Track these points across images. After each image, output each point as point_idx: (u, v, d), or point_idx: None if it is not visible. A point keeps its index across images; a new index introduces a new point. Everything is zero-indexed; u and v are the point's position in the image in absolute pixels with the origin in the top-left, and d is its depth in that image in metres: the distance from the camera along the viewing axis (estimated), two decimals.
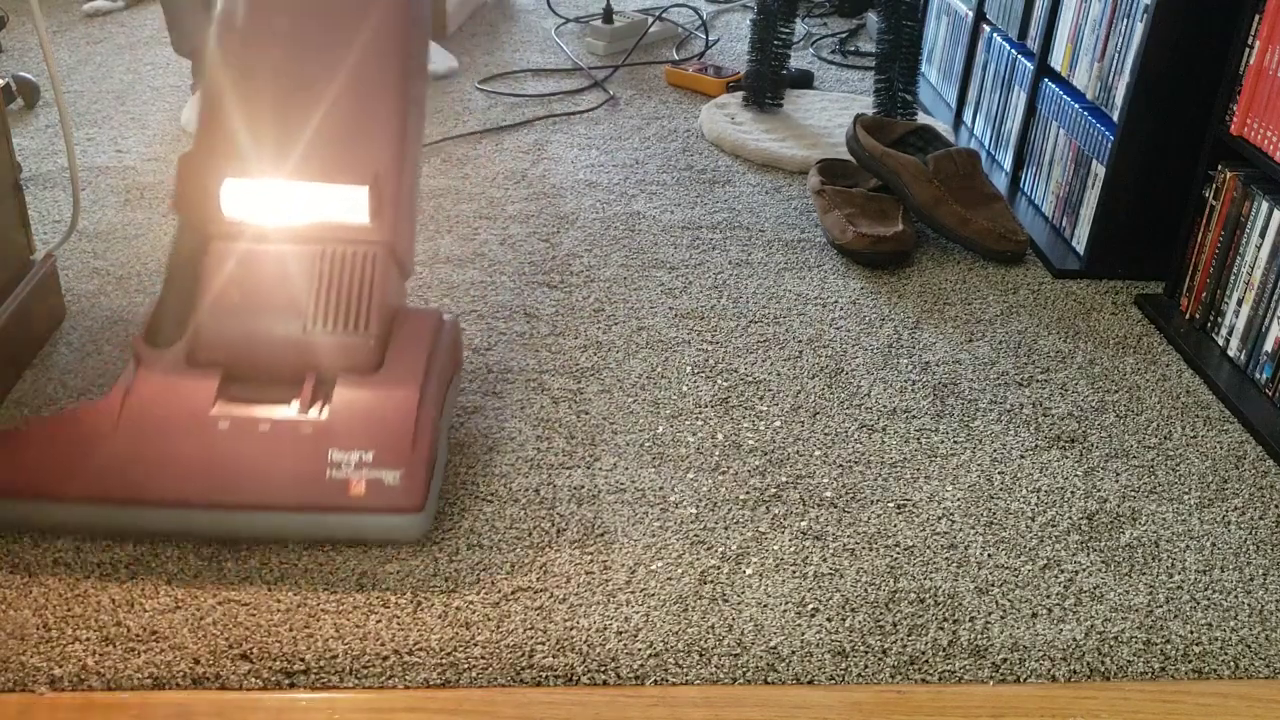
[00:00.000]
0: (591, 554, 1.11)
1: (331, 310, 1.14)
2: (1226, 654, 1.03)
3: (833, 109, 2.24)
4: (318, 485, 1.06)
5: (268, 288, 1.14)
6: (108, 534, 1.09)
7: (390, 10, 1.19)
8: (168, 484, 1.06)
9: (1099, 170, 1.66)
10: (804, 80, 2.39)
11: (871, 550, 1.13)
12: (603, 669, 0.99)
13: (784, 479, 1.23)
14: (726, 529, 1.15)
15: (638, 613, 1.04)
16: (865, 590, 1.08)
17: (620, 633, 1.02)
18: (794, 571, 1.10)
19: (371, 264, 1.16)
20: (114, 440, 1.06)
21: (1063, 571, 1.11)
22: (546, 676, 0.98)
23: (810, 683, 0.98)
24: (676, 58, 2.59)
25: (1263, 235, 1.40)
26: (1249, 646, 1.04)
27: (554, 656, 1.00)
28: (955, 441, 1.30)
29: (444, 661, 0.99)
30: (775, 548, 1.13)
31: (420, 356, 1.15)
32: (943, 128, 2.12)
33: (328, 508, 1.07)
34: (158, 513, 1.06)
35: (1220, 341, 1.48)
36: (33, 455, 1.07)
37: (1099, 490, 1.24)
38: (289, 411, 1.09)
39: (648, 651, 1.00)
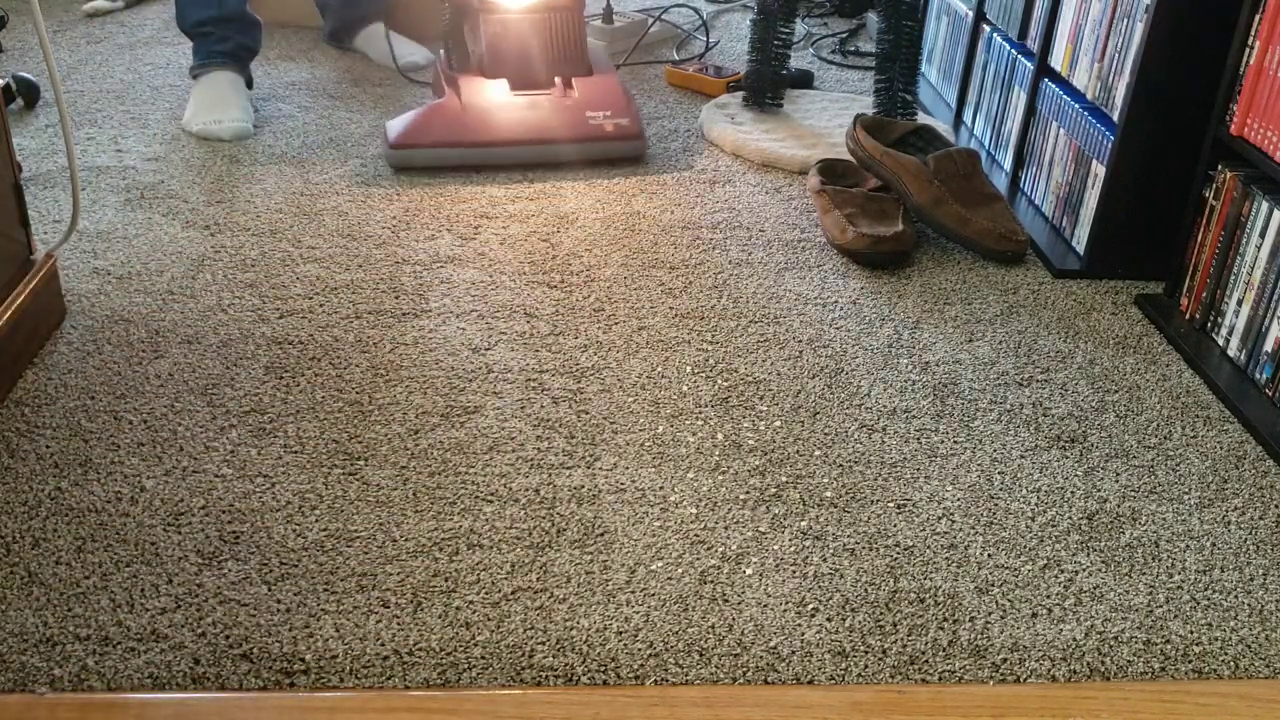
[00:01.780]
0: (591, 554, 1.11)
1: (562, 45, 2.03)
2: (1226, 654, 1.03)
3: (833, 109, 2.24)
4: (586, 127, 1.94)
5: (525, 36, 2.01)
6: (468, 164, 1.92)
7: None
8: (496, 133, 1.92)
9: (1099, 170, 1.66)
10: (804, 80, 2.39)
11: (871, 550, 1.13)
12: (603, 669, 0.99)
13: (784, 479, 1.23)
14: (726, 529, 1.15)
15: (638, 613, 1.04)
16: (865, 590, 1.08)
17: (620, 633, 1.02)
18: (794, 571, 1.10)
19: (577, 18, 2.04)
20: (464, 114, 1.93)
21: (1063, 571, 1.12)
22: (546, 676, 0.98)
23: (810, 683, 0.98)
24: (676, 58, 2.59)
25: (1263, 235, 1.40)
26: (1249, 646, 1.04)
27: (554, 656, 1.00)
28: (955, 441, 1.30)
29: (444, 661, 0.99)
30: (775, 548, 1.13)
31: (609, 63, 2.13)
32: (943, 128, 2.12)
33: (593, 139, 1.95)
34: (493, 150, 1.92)
35: (1220, 341, 1.48)
36: (422, 126, 1.92)
37: (1099, 490, 1.24)
38: (554, 94, 1.97)
39: (648, 651, 1.00)
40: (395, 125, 1.92)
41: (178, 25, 2.13)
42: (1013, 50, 1.98)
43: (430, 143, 1.89)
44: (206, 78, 2.08)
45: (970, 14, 2.18)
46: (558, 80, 1.98)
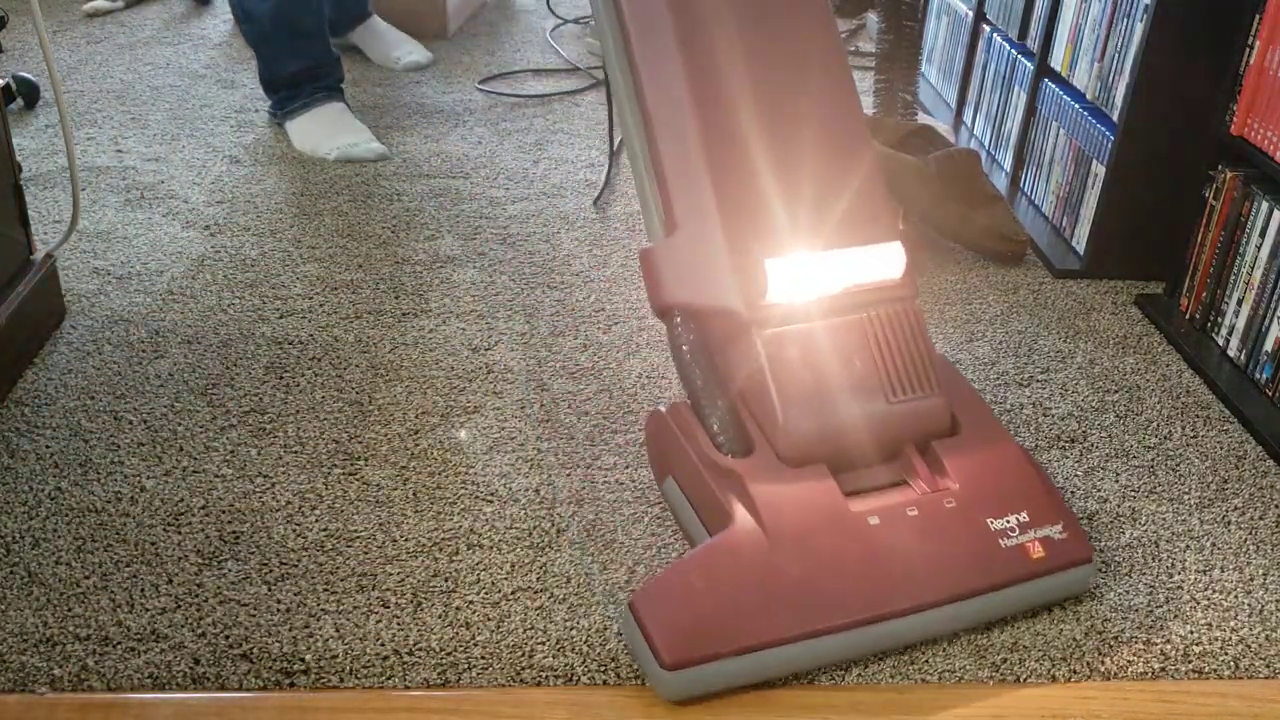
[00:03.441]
0: (591, 554, 1.11)
1: (899, 377, 1.07)
2: (1226, 654, 1.03)
3: None
4: (1000, 558, 1.01)
5: (835, 367, 1.05)
6: (809, 670, 0.98)
7: (832, 55, 1.13)
8: (857, 606, 0.97)
9: (1099, 170, 1.66)
10: None
11: None
12: (603, 669, 0.99)
13: None
14: None
15: None
16: None
17: (620, 633, 1.02)
18: None
19: (915, 319, 1.10)
20: (779, 568, 0.96)
21: None
22: (546, 676, 0.98)
23: (811, 683, 0.98)
24: None
25: (1263, 235, 1.40)
26: (1249, 646, 1.04)
27: (554, 656, 1.00)
28: None
29: (444, 661, 0.99)
30: None
31: (982, 405, 1.12)
32: (943, 128, 2.12)
33: (1017, 579, 1.01)
34: (850, 638, 0.97)
35: (1220, 341, 1.48)
36: (715, 616, 0.94)
37: (1099, 490, 1.24)
38: (915, 492, 1.04)
39: None
40: (665, 617, 0.95)
41: (263, 76, 2.06)
42: (1013, 50, 1.98)
43: (745, 646, 0.94)
44: (317, 109, 2.03)
45: (970, 14, 2.19)
46: (913, 455, 1.07)
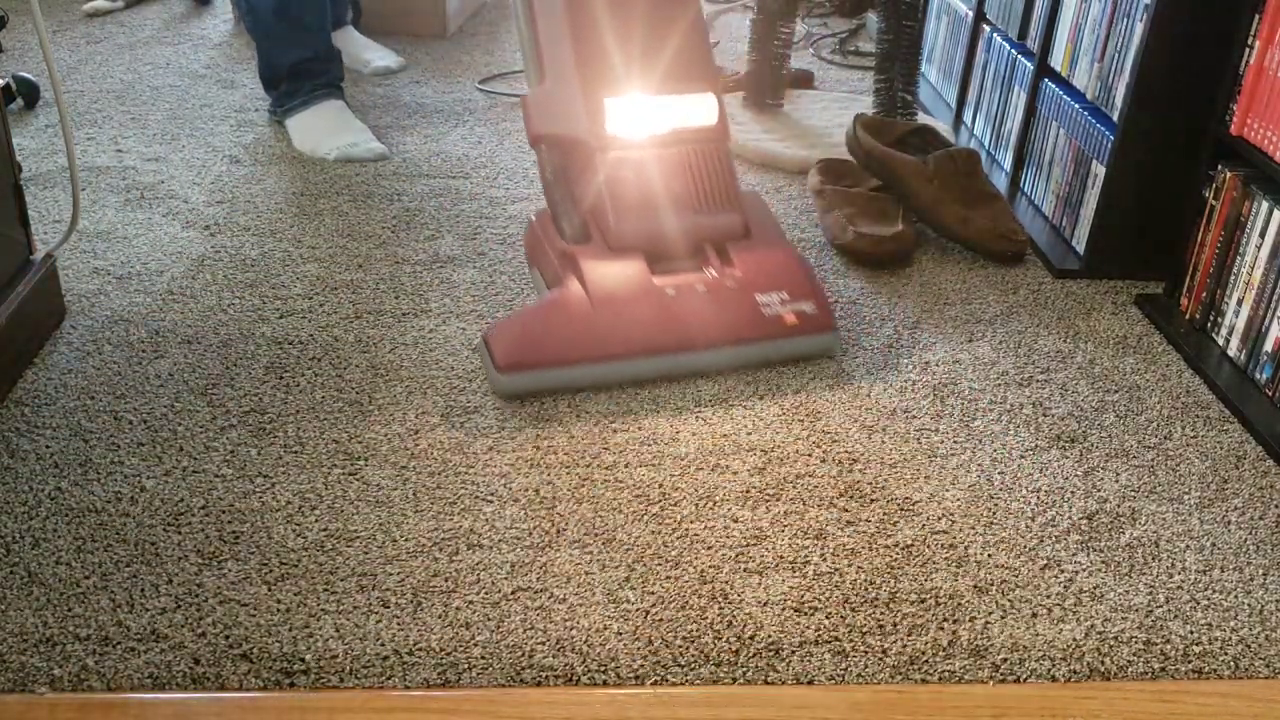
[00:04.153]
0: (591, 554, 1.11)
1: (708, 196, 1.44)
2: (1226, 654, 1.03)
3: (833, 109, 2.24)
4: (760, 322, 1.39)
5: (658, 186, 1.42)
6: (600, 387, 1.37)
7: None
8: (641, 341, 1.36)
9: (1099, 170, 1.66)
10: (804, 80, 2.39)
11: (871, 550, 1.13)
12: (603, 669, 0.99)
13: (784, 479, 1.23)
14: (726, 528, 1.15)
15: (637, 612, 1.04)
16: (865, 590, 1.08)
17: (620, 633, 1.02)
18: (794, 571, 1.10)
19: (724, 158, 1.46)
20: (595, 315, 1.35)
21: (1063, 571, 1.12)
22: (546, 676, 0.98)
23: (810, 683, 0.98)
24: None
25: (1263, 235, 1.40)
26: (1249, 646, 1.04)
27: (554, 656, 1.00)
28: (955, 441, 1.30)
29: (444, 661, 0.99)
30: (775, 547, 1.13)
31: (772, 220, 1.51)
32: (943, 128, 2.12)
33: (771, 337, 1.40)
34: (636, 363, 1.36)
35: (1220, 341, 1.48)
36: (540, 337, 1.34)
37: (1099, 490, 1.24)
38: (709, 275, 1.40)
39: (647, 651, 1.00)
40: (504, 338, 1.34)
41: (264, 73, 2.06)
42: (1013, 50, 1.98)
43: (554, 361, 1.34)
44: (317, 107, 2.03)
45: (970, 14, 2.19)
46: (709, 250, 1.43)
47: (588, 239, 1.41)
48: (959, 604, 1.07)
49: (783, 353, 1.42)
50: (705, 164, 1.44)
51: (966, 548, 1.14)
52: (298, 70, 2.03)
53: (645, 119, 1.42)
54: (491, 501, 1.18)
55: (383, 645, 1.00)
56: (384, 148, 2.00)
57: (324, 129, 2.01)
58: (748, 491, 1.21)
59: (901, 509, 1.19)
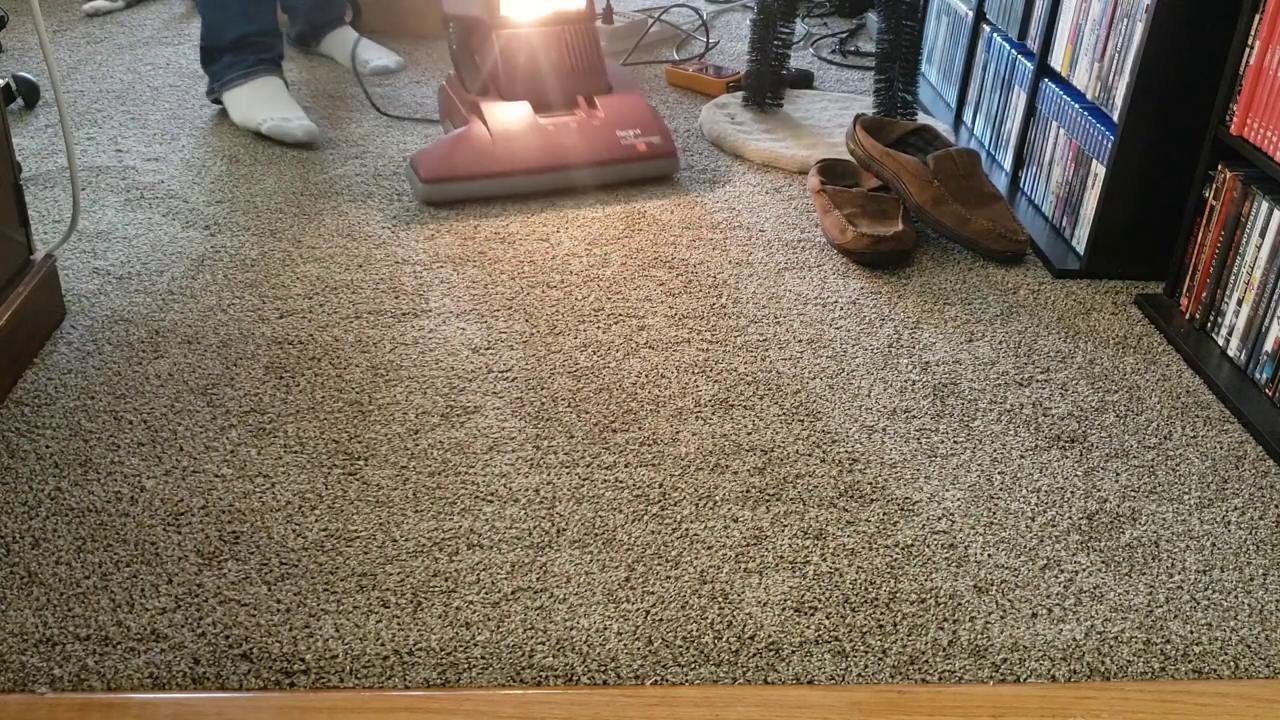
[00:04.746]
0: (591, 554, 1.11)
1: (580, 60, 1.93)
2: (1226, 654, 1.03)
3: (833, 109, 2.24)
4: (619, 149, 1.88)
5: (540, 54, 1.90)
6: (499, 195, 1.83)
7: None
8: (530, 161, 1.83)
9: (1099, 170, 1.66)
10: (804, 80, 2.39)
11: (871, 550, 1.13)
12: (603, 669, 0.99)
13: (784, 479, 1.23)
14: (726, 528, 1.15)
15: (638, 612, 1.04)
16: (865, 590, 1.08)
17: (620, 633, 1.02)
18: (794, 571, 1.10)
19: (592, 33, 1.94)
20: (494, 143, 1.82)
21: (1063, 571, 1.12)
22: (546, 676, 0.98)
23: (810, 683, 0.98)
24: (676, 58, 2.59)
25: (1263, 235, 1.40)
26: (1249, 646, 1.04)
27: (554, 656, 1.00)
28: (955, 441, 1.30)
29: (444, 661, 0.99)
30: (775, 547, 1.13)
31: (631, 82, 2.03)
32: (943, 128, 2.12)
33: (627, 159, 1.88)
34: (528, 179, 1.83)
35: (1220, 341, 1.48)
36: (454, 158, 1.81)
37: (1099, 490, 1.24)
38: (580, 115, 1.89)
39: (647, 651, 1.00)
40: (425, 159, 1.81)
41: (207, 43, 2.06)
42: (1013, 50, 1.98)
43: (465, 175, 1.79)
44: (257, 80, 2.04)
45: (970, 14, 2.18)
46: (580, 100, 1.90)
47: (486, 93, 1.90)
48: (959, 604, 1.07)
49: (636, 173, 1.90)
50: (575, 38, 1.92)
51: (966, 548, 1.14)
52: (241, 43, 2.03)
53: (530, 4, 1.89)
54: (491, 501, 1.18)
55: (383, 645, 1.00)
56: (315, 127, 2.02)
57: (260, 102, 2.02)
58: (748, 491, 1.21)
59: (901, 509, 1.19)
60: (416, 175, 1.80)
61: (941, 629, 1.04)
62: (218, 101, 2.10)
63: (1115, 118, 1.62)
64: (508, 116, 1.84)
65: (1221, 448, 1.31)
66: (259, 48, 2.05)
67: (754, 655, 1.00)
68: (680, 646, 1.01)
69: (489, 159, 1.80)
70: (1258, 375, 1.40)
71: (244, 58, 2.04)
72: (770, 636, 1.02)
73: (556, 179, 1.85)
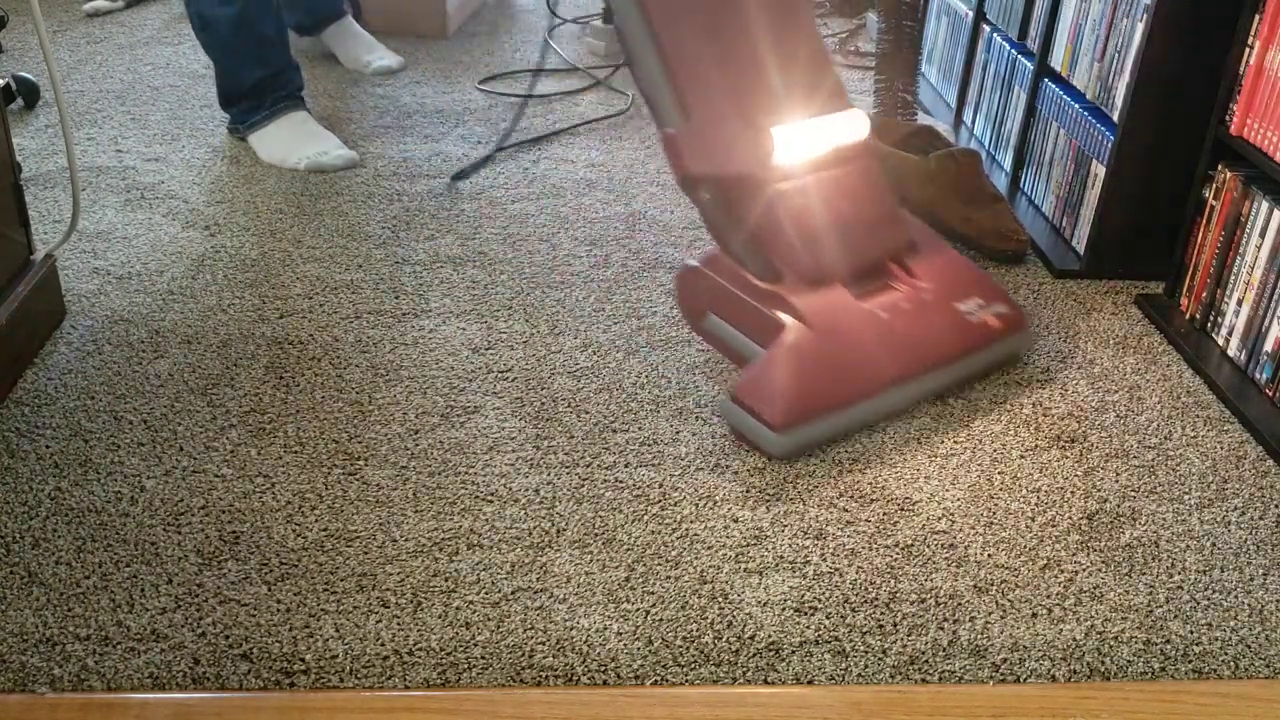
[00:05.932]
0: (591, 554, 1.11)
1: (874, 212, 1.40)
2: (1226, 654, 1.03)
3: None
4: (970, 329, 1.37)
5: (832, 210, 1.37)
6: (866, 425, 1.32)
7: None
8: (884, 372, 1.30)
9: (1099, 170, 1.66)
10: None
11: (871, 550, 1.13)
12: (603, 669, 0.99)
13: (784, 478, 1.23)
14: (726, 528, 1.15)
15: (638, 612, 1.04)
16: (865, 590, 1.08)
17: (620, 633, 1.02)
18: (794, 571, 1.10)
19: (880, 169, 1.44)
20: (832, 352, 1.29)
21: (1063, 571, 1.12)
22: (546, 676, 0.98)
23: (810, 683, 0.98)
24: None
25: (1263, 235, 1.40)
26: (1249, 646, 1.04)
27: (554, 656, 1.00)
28: (955, 441, 1.30)
29: (444, 661, 0.99)
30: (775, 547, 1.13)
31: (921, 225, 1.48)
32: (943, 128, 2.12)
33: (982, 345, 1.38)
34: (891, 395, 1.31)
35: (1220, 341, 1.48)
36: (803, 389, 1.26)
37: (1099, 490, 1.24)
38: (900, 292, 1.37)
39: (647, 651, 1.00)
40: (763, 396, 1.25)
41: (224, 89, 2.00)
42: (1013, 50, 1.98)
43: (825, 408, 1.27)
44: (282, 119, 1.98)
45: (970, 14, 2.18)
46: (892, 266, 1.40)
47: (780, 276, 1.33)
48: (959, 604, 1.07)
49: (991, 359, 1.40)
50: (864, 180, 1.40)
51: (966, 548, 1.14)
52: (258, 88, 1.97)
53: (809, 144, 1.36)
54: (491, 501, 1.18)
55: (383, 645, 1.00)
56: (354, 154, 1.96)
57: (291, 140, 1.96)
58: (748, 491, 1.21)
59: (901, 509, 1.19)
60: (760, 421, 1.24)
61: (941, 629, 1.04)
62: (242, 139, 2.02)
63: (1115, 118, 1.62)
64: (831, 310, 1.31)
65: (1222, 448, 1.31)
66: (277, 86, 1.98)
67: (754, 655, 1.00)
68: (680, 646, 1.01)
69: (841, 378, 1.29)
70: (1258, 375, 1.40)
71: (264, 99, 1.98)
72: (770, 636, 1.02)
73: (918, 390, 1.34)
